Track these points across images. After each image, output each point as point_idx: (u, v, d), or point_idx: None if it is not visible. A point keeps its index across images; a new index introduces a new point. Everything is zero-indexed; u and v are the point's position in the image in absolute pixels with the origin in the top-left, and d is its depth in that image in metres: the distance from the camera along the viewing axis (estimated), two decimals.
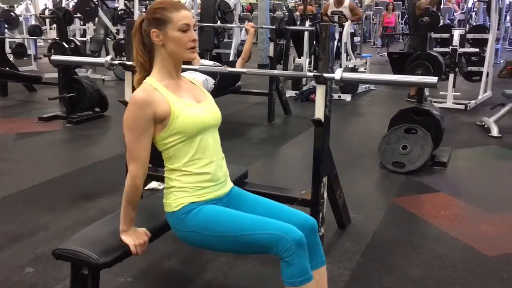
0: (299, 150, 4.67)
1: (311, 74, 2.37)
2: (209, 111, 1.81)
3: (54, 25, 7.29)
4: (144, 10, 11.13)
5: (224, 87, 5.23)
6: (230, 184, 1.88)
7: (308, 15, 8.99)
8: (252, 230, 1.66)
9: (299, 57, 8.62)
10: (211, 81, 4.76)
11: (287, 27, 6.01)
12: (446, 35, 7.04)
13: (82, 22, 9.77)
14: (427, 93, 5.90)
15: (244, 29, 10.15)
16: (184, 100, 1.75)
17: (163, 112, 1.68)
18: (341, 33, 7.42)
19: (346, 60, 7.58)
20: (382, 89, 8.08)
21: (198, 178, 1.75)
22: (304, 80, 7.78)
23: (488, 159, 4.45)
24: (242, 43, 8.15)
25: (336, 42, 7.25)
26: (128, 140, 1.69)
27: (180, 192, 1.75)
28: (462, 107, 6.52)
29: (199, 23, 8.27)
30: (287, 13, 12.10)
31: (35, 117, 5.71)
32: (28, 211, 3.11)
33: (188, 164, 1.74)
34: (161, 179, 1.85)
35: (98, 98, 5.81)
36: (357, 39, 9.77)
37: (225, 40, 9.97)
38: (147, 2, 10.91)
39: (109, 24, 9.19)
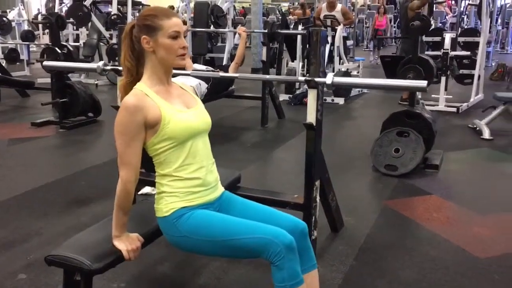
0: (292, 153, 4.68)
1: (302, 78, 2.39)
2: (199, 117, 1.82)
3: (47, 30, 7.28)
4: (137, 14, 11.15)
5: (217, 91, 5.24)
6: (221, 189, 1.89)
7: (301, 19, 9.03)
8: (243, 235, 1.67)
9: (292, 61, 8.65)
10: (204, 86, 4.76)
11: (279, 31, 6.02)
12: (438, 39, 7.09)
13: (75, 27, 9.76)
14: (419, 96, 5.94)
15: (237, 33, 10.19)
16: (175, 106, 1.76)
17: (153, 117, 1.69)
18: (333, 37, 7.46)
19: (339, 64, 7.61)
20: (375, 93, 8.12)
21: (188, 183, 1.76)
22: (297, 83, 7.80)
23: (480, 162, 4.48)
24: (236, 47, 8.17)
25: (329, 46, 7.28)
26: (119, 146, 1.69)
27: (171, 197, 1.75)
28: (454, 110, 6.56)
29: (193, 27, 8.30)
30: (280, 17, 12.14)
31: (28, 123, 5.69)
32: (20, 217, 3.10)
33: (179, 169, 1.75)
34: (154, 184, 1.86)
35: (91, 103, 5.80)
36: (350, 42, 9.83)
37: (219, 44, 9.99)
38: (140, 7, 10.93)
39: (102, 29, 9.18)
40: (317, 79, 2.28)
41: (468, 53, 7.49)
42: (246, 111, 6.60)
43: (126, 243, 1.73)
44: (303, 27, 8.16)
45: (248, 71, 9.88)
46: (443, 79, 6.53)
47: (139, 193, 3.31)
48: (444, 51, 6.49)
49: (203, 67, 5.28)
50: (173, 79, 1.88)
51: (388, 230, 2.98)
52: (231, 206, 1.86)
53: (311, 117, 2.34)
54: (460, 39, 8.00)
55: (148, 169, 2.48)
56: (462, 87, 7.64)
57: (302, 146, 2.47)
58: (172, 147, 1.73)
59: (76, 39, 9.91)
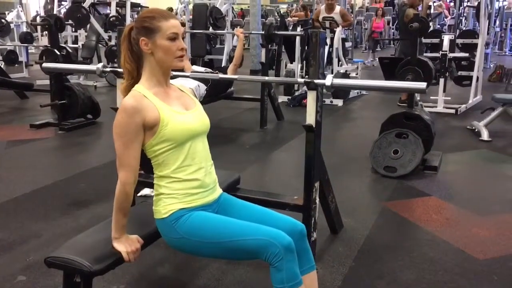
0: (291, 155, 4.69)
1: (302, 80, 2.39)
2: (197, 118, 1.82)
3: (46, 32, 7.28)
4: (136, 16, 11.15)
5: (216, 93, 5.25)
6: (219, 191, 1.90)
7: (300, 21, 9.04)
8: (241, 236, 1.67)
9: (291, 63, 8.66)
10: (203, 87, 4.76)
11: (276, 32, 6.02)
12: (436, 40, 7.10)
13: (73, 29, 9.76)
14: (418, 98, 5.95)
15: (235, 34, 10.19)
16: (173, 107, 1.76)
17: (152, 119, 1.69)
18: (332, 39, 7.47)
19: (338, 66, 7.62)
20: (374, 94, 8.13)
21: (187, 184, 1.76)
22: (296, 85, 7.82)
23: (479, 163, 4.48)
24: (234, 48, 8.18)
25: (327, 47, 7.29)
26: (118, 147, 1.70)
27: (169, 199, 1.76)
28: (453, 111, 6.57)
29: (191, 29, 8.30)
30: (279, 19, 12.14)
31: (27, 125, 5.69)
32: (20, 219, 3.10)
33: (177, 171, 1.75)
34: (153, 186, 1.86)
35: (90, 105, 5.80)
36: (348, 44, 9.85)
37: (217, 46, 9.99)
38: (139, 8, 10.94)
39: (100, 30, 9.18)
40: (316, 81, 2.28)
41: (467, 54, 7.51)
42: (245, 113, 6.61)
43: (126, 245, 1.73)
44: (302, 29, 8.16)
45: (247, 72, 9.90)
46: (441, 80, 6.54)
47: (138, 194, 3.31)
48: (442, 52, 6.51)
49: (202, 69, 5.28)
50: (171, 81, 1.89)
51: (387, 231, 2.98)
52: (229, 208, 1.86)
53: (310, 119, 2.35)
54: (459, 41, 8.02)
55: (147, 171, 2.48)
56: (461, 89, 7.66)
57: (301, 148, 2.47)
58: (170, 149, 1.73)
59: (75, 41, 9.91)
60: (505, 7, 16.09)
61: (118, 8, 9.90)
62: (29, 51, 11.44)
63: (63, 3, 10.78)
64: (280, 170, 4.34)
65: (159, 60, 1.74)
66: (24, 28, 12.18)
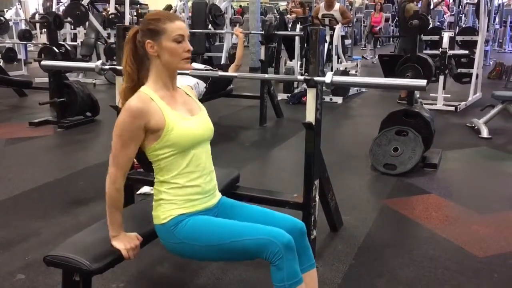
0: (291, 153, 4.68)
1: (301, 78, 2.38)
2: (202, 124, 1.81)
3: (45, 30, 7.26)
4: (134, 14, 11.13)
5: (215, 90, 5.24)
6: (218, 195, 1.89)
7: (299, 18, 9.01)
8: (241, 237, 1.66)
9: (291, 60, 8.64)
10: (202, 85, 4.76)
11: (276, 32, 5.99)
12: (436, 37, 7.09)
13: (72, 26, 9.73)
14: (417, 95, 5.94)
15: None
16: (179, 112, 1.75)
17: (157, 123, 1.68)
18: (332, 36, 7.46)
19: (337, 63, 7.61)
20: (374, 91, 8.12)
21: (187, 190, 1.75)
22: (295, 82, 7.80)
23: (479, 161, 4.48)
24: (234, 46, 8.17)
25: (327, 45, 7.28)
26: (115, 145, 1.69)
27: (169, 205, 1.75)
28: (453, 108, 6.56)
29: (191, 26, 8.28)
30: (278, 16, 12.12)
31: (26, 122, 5.68)
32: (19, 217, 3.09)
33: (179, 177, 1.74)
34: (153, 184, 1.85)
35: (89, 103, 5.79)
36: (348, 41, 9.83)
37: (217, 43, 9.98)
38: (138, 6, 10.91)
39: (100, 28, 9.16)
40: (316, 78, 2.27)
41: (466, 52, 7.49)
42: (244, 110, 6.60)
43: (125, 242, 1.73)
44: (301, 26, 8.14)
45: (246, 70, 9.88)
46: (441, 78, 6.53)
47: (138, 192, 3.31)
48: (442, 50, 6.49)
49: (202, 66, 5.27)
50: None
51: (387, 229, 2.98)
52: (229, 211, 1.85)
53: (310, 117, 2.34)
54: (458, 38, 8.01)
55: (147, 169, 2.48)
56: (460, 86, 7.65)
57: (301, 145, 2.46)
58: (173, 154, 1.72)
59: (74, 39, 9.89)
60: (505, 4, 16.08)
61: (117, 6, 9.87)
62: (28, 48, 11.42)
63: (61, 0, 10.76)
64: (279, 168, 4.34)
65: (165, 63, 1.73)
66: (23, 26, 12.16)
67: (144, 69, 1.78)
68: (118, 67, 2.73)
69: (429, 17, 6.75)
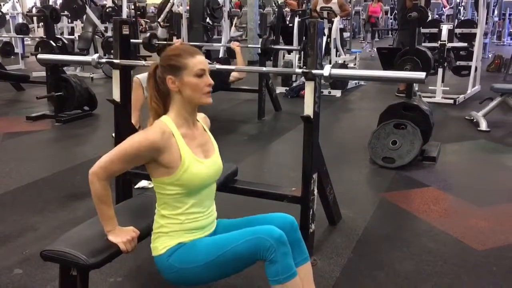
0: (289, 146, 4.67)
1: (299, 70, 2.37)
2: (214, 168, 1.80)
3: (42, 23, 7.22)
4: (132, 7, 11.07)
5: (214, 84, 5.21)
6: (215, 223, 1.88)
7: (297, 11, 8.98)
8: (232, 244, 1.67)
9: (289, 54, 8.62)
10: None
11: (272, 46, 5.94)
12: (435, 30, 7.07)
13: (70, 20, 9.68)
14: (416, 88, 5.93)
15: (234, 25, 10.13)
16: (195, 154, 1.73)
17: (172, 160, 1.67)
18: (330, 29, 7.43)
19: (336, 56, 7.59)
20: (372, 84, 8.10)
21: (187, 226, 1.75)
22: (294, 76, 7.78)
23: (477, 153, 4.47)
24: (232, 39, 8.14)
25: (325, 38, 7.25)
26: (117, 154, 1.66)
27: (167, 237, 1.75)
28: (451, 101, 6.55)
29: (188, 20, 8.24)
30: (276, 9, 12.06)
31: (23, 117, 5.65)
32: (16, 211, 3.08)
33: (181, 214, 1.74)
34: (150, 178, 1.84)
35: (86, 97, 5.76)
36: (346, 34, 9.79)
37: (215, 37, 9.94)
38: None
39: (97, 22, 9.11)
40: (314, 71, 2.26)
41: (465, 44, 7.48)
42: (243, 104, 6.58)
43: (121, 236, 1.72)
44: (299, 19, 8.11)
45: (244, 64, 9.83)
46: (440, 70, 6.52)
47: (136, 186, 3.31)
48: (441, 42, 6.48)
49: None
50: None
51: (386, 222, 2.97)
52: (223, 230, 1.84)
53: (308, 110, 2.32)
54: (457, 31, 7.99)
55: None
56: (459, 79, 7.64)
57: (299, 139, 2.45)
58: (180, 194, 1.72)
59: (71, 32, 9.84)
60: None
61: None
62: (25, 42, 11.35)
63: None
64: (278, 161, 4.33)
65: (187, 97, 1.71)
66: (20, 20, 12.09)
67: (168, 101, 1.76)
68: (114, 61, 2.71)
69: (428, 10, 6.71)
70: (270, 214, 1.86)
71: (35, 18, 10.59)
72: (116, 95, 2.74)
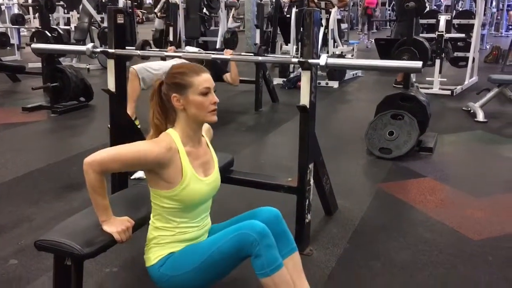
0: (286, 137, 4.66)
1: (295, 60, 2.35)
2: (212, 185, 1.80)
3: (38, 14, 7.16)
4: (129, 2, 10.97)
5: (210, 74, 5.19)
6: (207, 232, 1.87)
7: (294, 2, 8.93)
8: (217, 244, 1.68)
9: (286, 44, 8.58)
10: None
11: (266, 55, 5.88)
12: (433, 21, 7.04)
13: (65, 11, 9.60)
14: (413, 79, 5.92)
15: (231, 16, 10.08)
16: (196, 172, 1.73)
17: (172, 176, 1.67)
18: (328, 20, 7.39)
19: (333, 47, 7.56)
20: (370, 76, 8.09)
21: (179, 237, 1.76)
22: (291, 67, 7.76)
23: (474, 144, 4.47)
24: (229, 31, 8.09)
25: (323, 28, 7.22)
26: (117, 156, 1.65)
27: (159, 248, 1.76)
28: (449, 92, 6.55)
29: (185, 10, 8.19)
30: (274, 0, 12.00)
31: (19, 108, 5.62)
32: (11, 202, 3.06)
33: (175, 227, 1.75)
34: None
35: (82, 88, 5.74)
36: (344, 25, 9.75)
37: (212, 28, 9.89)
38: None
39: (93, 12, 9.05)
40: (310, 61, 2.25)
41: (463, 35, 7.45)
42: (240, 95, 6.56)
43: (116, 225, 1.71)
44: (297, 10, 8.07)
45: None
46: (437, 61, 6.50)
47: (132, 177, 3.29)
48: (438, 33, 6.45)
49: (196, 49, 5.22)
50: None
51: (382, 212, 2.97)
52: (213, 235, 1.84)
53: (304, 99, 2.31)
54: (455, 21, 7.96)
55: None
56: (457, 70, 7.62)
57: (296, 130, 2.44)
58: (177, 209, 1.72)
59: (67, 23, 9.78)
60: None
61: None
62: (21, 33, 11.28)
63: None
64: (275, 152, 4.32)
65: (191, 116, 1.70)
66: (15, 10, 12.01)
67: (171, 118, 1.75)
68: (109, 50, 2.69)
69: (426, 0, 6.69)
70: (255, 209, 1.87)
71: (30, 9, 10.50)
72: (111, 85, 2.72)
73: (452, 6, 12.44)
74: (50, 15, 6.68)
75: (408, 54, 4.31)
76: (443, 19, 6.53)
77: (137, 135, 2.89)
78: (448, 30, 6.78)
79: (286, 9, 11.15)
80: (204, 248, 1.71)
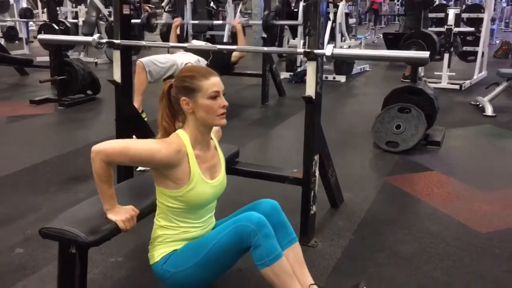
0: (292, 131, 4.64)
1: (301, 50, 2.33)
2: (218, 187, 1.81)
3: (46, 8, 7.18)
4: None
5: (217, 67, 5.18)
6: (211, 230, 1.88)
7: None
8: (217, 237, 1.69)
9: (294, 39, 8.55)
10: (203, 62, 4.71)
11: (274, 22, 5.85)
12: (442, 15, 6.98)
13: (73, 5, 9.62)
14: (422, 74, 5.87)
15: (238, 11, 10.05)
16: (203, 175, 1.73)
17: (180, 177, 1.68)
18: (335, 13, 7.35)
19: (341, 41, 7.52)
20: (377, 70, 8.04)
21: (183, 236, 1.77)
22: (298, 61, 7.73)
23: (482, 138, 4.43)
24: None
25: (330, 22, 7.18)
26: (125, 150, 1.64)
27: (162, 246, 1.77)
28: (457, 87, 6.49)
29: (192, 4, 8.16)
30: None
31: (27, 100, 5.65)
32: (18, 193, 3.08)
33: (179, 227, 1.76)
34: None
35: (90, 81, 5.76)
36: (352, 20, 9.70)
37: (219, 22, 9.85)
38: None
39: (101, 6, 9.06)
40: (316, 51, 2.23)
41: (472, 29, 7.38)
42: (246, 89, 6.55)
43: (121, 214, 1.71)
44: (304, 4, 8.02)
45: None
46: (446, 56, 6.45)
47: (137, 169, 3.29)
48: (447, 27, 6.40)
49: (203, 43, 5.22)
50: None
51: (388, 205, 2.95)
52: None
53: (310, 90, 2.30)
54: (464, 15, 7.89)
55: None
56: (466, 64, 7.56)
57: (302, 124, 2.42)
58: (183, 209, 1.73)
59: (75, 17, 9.80)
60: None
61: None
62: (30, 27, 11.33)
63: None
64: (281, 145, 4.31)
65: (200, 119, 1.70)
66: (24, 4, 12.05)
67: (180, 121, 1.76)
68: (115, 41, 2.69)
69: None
70: (254, 202, 1.87)
71: (39, 3, 10.53)
72: (117, 76, 2.72)
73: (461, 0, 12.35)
74: (58, 8, 6.69)
75: (416, 47, 4.27)
76: (452, 12, 6.47)
77: (143, 127, 2.90)
78: (457, 24, 6.72)
79: (293, 3, 11.10)
80: (204, 243, 1.71)
